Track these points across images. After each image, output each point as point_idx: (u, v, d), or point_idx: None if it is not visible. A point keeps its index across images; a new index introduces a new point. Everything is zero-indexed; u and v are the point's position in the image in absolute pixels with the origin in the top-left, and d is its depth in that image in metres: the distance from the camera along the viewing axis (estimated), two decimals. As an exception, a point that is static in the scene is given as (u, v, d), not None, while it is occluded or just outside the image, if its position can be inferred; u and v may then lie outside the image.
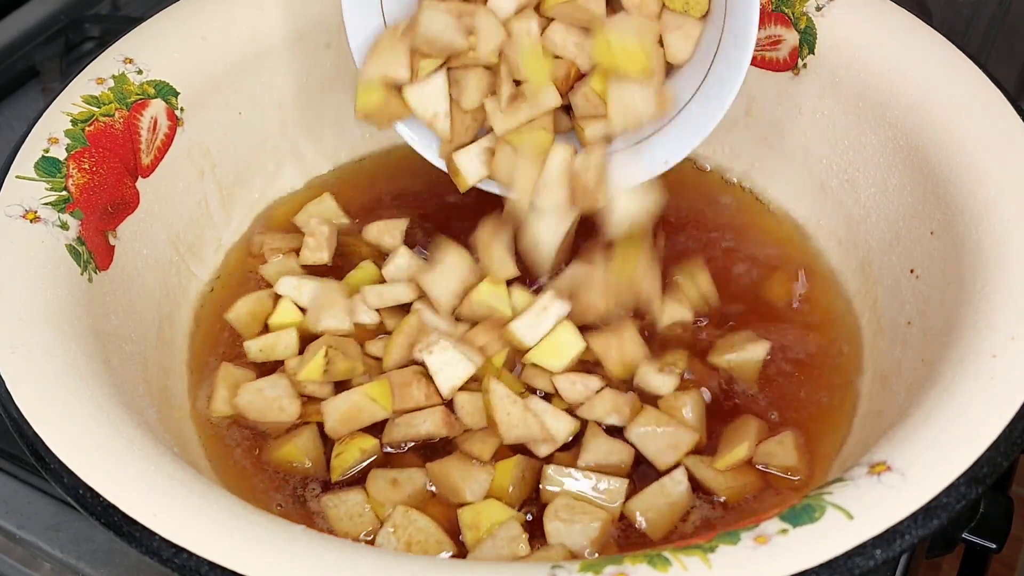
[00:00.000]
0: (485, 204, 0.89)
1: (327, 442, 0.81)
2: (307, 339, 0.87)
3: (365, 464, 0.79)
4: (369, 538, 0.74)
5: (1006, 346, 0.66)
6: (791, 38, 0.95)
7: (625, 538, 0.74)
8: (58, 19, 1.30)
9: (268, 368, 0.87)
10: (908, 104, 0.86)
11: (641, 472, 0.78)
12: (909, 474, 0.59)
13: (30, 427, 0.63)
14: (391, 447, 0.80)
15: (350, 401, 0.80)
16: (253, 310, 0.92)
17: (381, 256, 0.95)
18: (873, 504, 0.58)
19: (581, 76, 0.83)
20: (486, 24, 0.79)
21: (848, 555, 0.55)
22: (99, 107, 0.86)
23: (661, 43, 0.83)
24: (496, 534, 0.72)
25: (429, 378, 0.81)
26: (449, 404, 0.82)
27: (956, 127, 0.81)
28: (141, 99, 0.88)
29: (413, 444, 0.80)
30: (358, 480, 0.78)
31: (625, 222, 0.83)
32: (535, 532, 0.74)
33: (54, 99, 0.86)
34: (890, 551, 0.56)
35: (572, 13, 0.79)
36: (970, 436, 0.61)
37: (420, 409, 0.80)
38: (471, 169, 0.86)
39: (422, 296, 0.88)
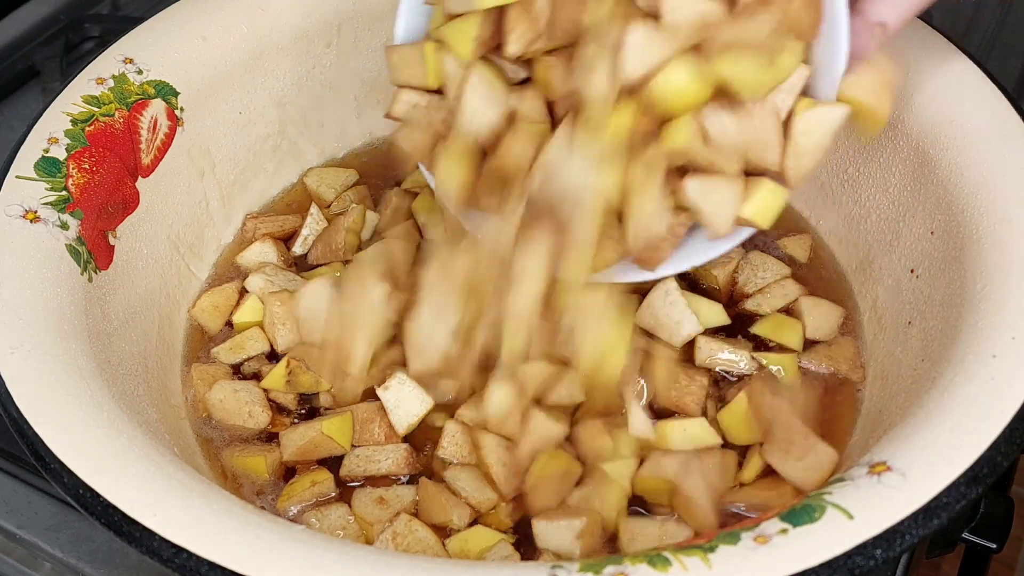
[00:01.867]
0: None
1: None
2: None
3: (314, 502, 0.77)
4: None
5: (1006, 346, 0.66)
6: (791, 38, 0.95)
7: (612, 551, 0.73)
8: (58, 19, 1.30)
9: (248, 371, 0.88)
10: (908, 104, 0.86)
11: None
12: (909, 474, 0.59)
13: (30, 427, 0.63)
14: (349, 481, 0.79)
15: (307, 436, 0.79)
16: (217, 303, 0.91)
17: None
18: (873, 504, 0.58)
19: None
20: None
21: (848, 555, 0.55)
22: (99, 107, 0.86)
23: None
24: (488, 558, 0.72)
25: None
26: (413, 441, 0.81)
27: (956, 127, 0.81)
28: (141, 99, 0.88)
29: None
30: (343, 497, 0.78)
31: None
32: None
33: (54, 99, 0.85)
34: (890, 551, 0.56)
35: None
36: (970, 436, 0.61)
37: (381, 445, 0.80)
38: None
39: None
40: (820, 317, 0.88)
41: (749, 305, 0.90)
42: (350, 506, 0.76)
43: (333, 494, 0.78)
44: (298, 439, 0.79)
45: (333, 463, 0.80)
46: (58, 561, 0.80)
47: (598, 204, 0.72)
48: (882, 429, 0.75)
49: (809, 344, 0.87)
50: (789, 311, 0.89)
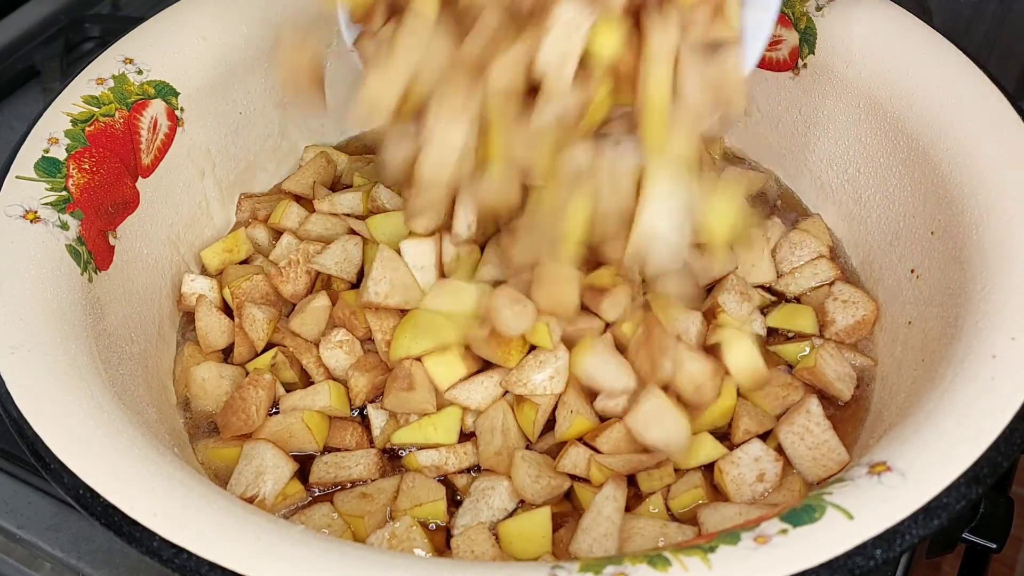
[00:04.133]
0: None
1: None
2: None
3: (293, 508, 0.78)
4: None
5: (1006, 346, 0.66)
6: (791, 38, 0.95)
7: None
8: (58, 19, 1.30)
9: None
10: (908, 104, 0.86)
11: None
12: (909, 474, 0.59)
13: (30, 427, 0.63)
14: (319, 488, 0.79)
15: (285, 424, 0.79)
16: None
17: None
18: (873, 504, 0.58)
19: None
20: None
21: (848, 555, 0.55)
22: (99, 107, 0.86)
23: None
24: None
25: (367, 426, 0.81)
26: (388, 450, 0.81)
27: (957, 127, 0.81)
28: (141, 99, 0.88)
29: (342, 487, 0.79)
30: (325, 497, 0.78)
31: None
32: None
33: (54, 99, 0.86)
34: (890, 551, 0.56)
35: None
36: (970, 436, 0.61)
37: (350, 451, 0.80)
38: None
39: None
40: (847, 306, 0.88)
41: (779, 285, 0.90)
42: (333, 504, 0.76)
43: (306, 501, 0.78)
44: (275, 425, 0.80)
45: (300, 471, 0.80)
46: (58, 561, 0.80)
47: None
48: (882, 429, 0.75)
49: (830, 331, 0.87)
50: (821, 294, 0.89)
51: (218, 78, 0.94)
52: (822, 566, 0.55)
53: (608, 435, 0.77)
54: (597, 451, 0.77)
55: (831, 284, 0.89)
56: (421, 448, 0.79)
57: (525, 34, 0.72)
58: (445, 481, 0.79)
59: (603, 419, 0.79)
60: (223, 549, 0.57)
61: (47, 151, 0.81)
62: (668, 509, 0.76)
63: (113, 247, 0.83)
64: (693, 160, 0.74)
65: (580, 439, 0.78)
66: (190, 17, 0.94)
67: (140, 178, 0.87)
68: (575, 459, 0.76)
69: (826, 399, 0.83)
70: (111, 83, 0.87)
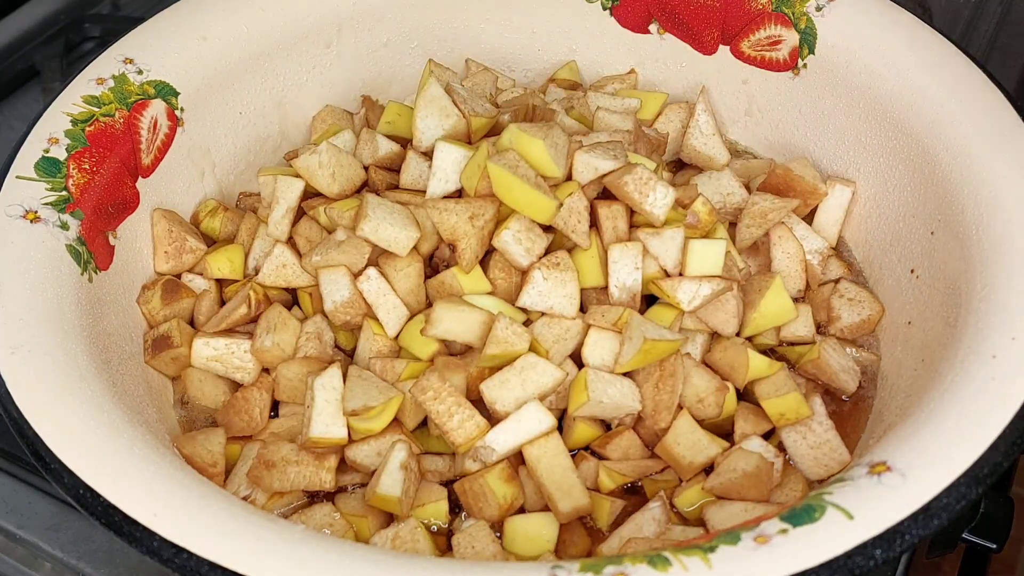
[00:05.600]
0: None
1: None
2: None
3: (292, 506, 0.77)
4: None
5: (1006, 346, 0.66)
6: (791, 38, 0.95)
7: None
8: (58, 19, 1.30)
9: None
10: (908, 104, 0.86)
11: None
12: (909, 474, 0.59)
13: (30, 427, 0.63)
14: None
15: (287, 426, 0.79)
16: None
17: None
18: (873, 504, 0.58)
19: None
20: None
21: (848, 555, 0.55)
22: (99, 107, 0.86)
23: None
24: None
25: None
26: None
27: (956, 127, 0.82)
28: (141, 99, 0.88)
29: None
30: (327, 496, 0.78)
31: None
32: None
33: (54, 99, 0.86)
34: (890, 551, 0.56)
35: None
36: (970, 436, 0.61)
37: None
38: None
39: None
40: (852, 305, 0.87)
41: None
42: (334, 504, 0.76)
43: (302, 501, 0.77)
44: (277, 427, 0.79)
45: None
46: (58, 561, 0.80)
47: None
48: (882, 429, 0.75)
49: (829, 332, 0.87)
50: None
51: (218, 78, 0.94)
52: (822, 566, 0.55)
53: (618, 443, 0.77)
54: (605, 458, 0.77)
55: (837, 282, 0.89)
56: (425, 453, 0.79)
57: None
58: (446, 484, 0.79)
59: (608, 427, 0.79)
60: (223, 549, 0.57)
61: (47, 151, 0.81)
62: (673, 507, 0.76)
63: (113, 247, 0.83)
64: None
65: (588, 448, 0.78)
66: (190, 17, 0.94)
67: (140, 178, 0.87)
68: (585, 473, 0.76)
69: (829, 394, 0.83)
70: (111, 83, 0.87)
